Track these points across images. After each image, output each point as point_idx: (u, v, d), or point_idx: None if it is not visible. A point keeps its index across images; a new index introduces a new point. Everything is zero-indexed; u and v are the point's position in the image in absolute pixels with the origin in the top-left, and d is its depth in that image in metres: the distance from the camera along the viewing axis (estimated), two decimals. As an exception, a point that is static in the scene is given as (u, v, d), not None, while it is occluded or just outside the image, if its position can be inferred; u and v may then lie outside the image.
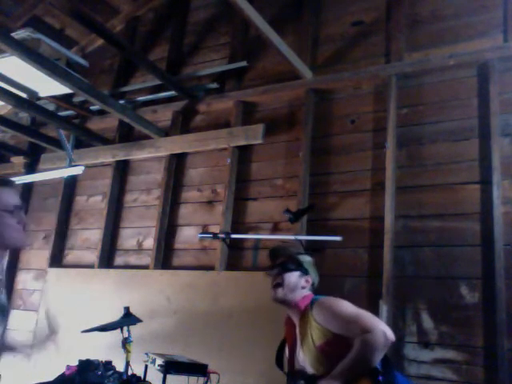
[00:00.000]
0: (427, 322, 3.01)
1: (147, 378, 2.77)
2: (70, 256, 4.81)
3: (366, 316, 2.05)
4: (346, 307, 2.11)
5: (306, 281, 2.30)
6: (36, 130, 5.17)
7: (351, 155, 3.57)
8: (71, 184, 5.02)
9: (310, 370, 2.14)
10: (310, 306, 2.20)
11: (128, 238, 4.50)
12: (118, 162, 4.70)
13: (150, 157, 4.52)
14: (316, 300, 2.21)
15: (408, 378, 2.75)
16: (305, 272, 2.32)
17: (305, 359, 2.16)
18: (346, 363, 1.98)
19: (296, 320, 2.27)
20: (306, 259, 2.38)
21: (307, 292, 2.30)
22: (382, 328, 1.98)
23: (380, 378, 1.99)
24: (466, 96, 3.28)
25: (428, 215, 3.18)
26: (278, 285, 2.28)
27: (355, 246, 3.35)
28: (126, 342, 2.60)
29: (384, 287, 3.09)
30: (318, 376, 2.09)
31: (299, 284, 2.28)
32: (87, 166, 4.62)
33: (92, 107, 4.94)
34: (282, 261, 2.34)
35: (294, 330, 2.28)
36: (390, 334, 1.98)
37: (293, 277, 2.28)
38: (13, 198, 1.62)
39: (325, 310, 2.13)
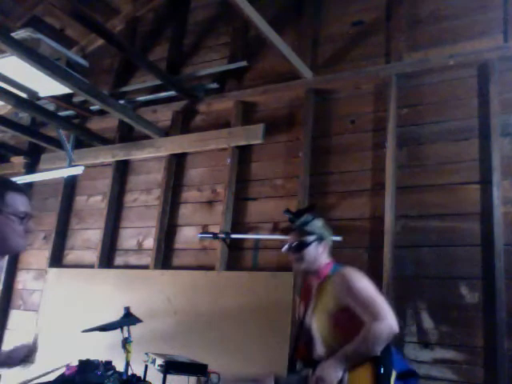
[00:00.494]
0: (427, 322, 3.01)
1: (147, 378, 2.78)
2: (70, 256, 4.81)
3: (380, 303, 2.11)
4: (366, 287, 2.17)
5: (324, 246, 2.36)
6: (36, 130, 5.17)
7: (351, 155, 3.57)
8: (71, 184, 5.02)
9: (316, 335, 2.23)
10: (330, 274, 2.28)
11: (128, 238, 4.50)
12: (118, 162, 4.70)
13: (150, 157, 4.52)
14: (337, 270, 2.28)
15: (404, 358, 2.75)
16: (320, 238, 2.36)
17: (314, 324, 2.25)
18: (350, 348, 2.06)
19: (314, 285, 2.34)
20: (317, 225, 2.40)
21: (327, 257, 2.37)
22: (389, 319, 2.05)
23: (381, 370, 2.04)
24: (466, 96, 3.28)
25: (428, 215, 3.18)
26: (299, 259, 2.34)
27: (355, 246, 3.35)
28: (126, 342, 2.61)
29: (384, 287, 3.08)
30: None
31: (318, 252, 2.33)
32: (87, 166, 4.62)
33: (92, 107, 4.94)
34: (296, 238, 2.38)
35: (310, 294, 2.35)
36: (396, 327, 2.06)
37: (311, 250, 2.33)
38: (25, 206, 1.64)
39: (345, 283, 2.19)
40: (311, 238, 2.34)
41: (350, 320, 2.14)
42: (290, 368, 2.35)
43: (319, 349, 2.22)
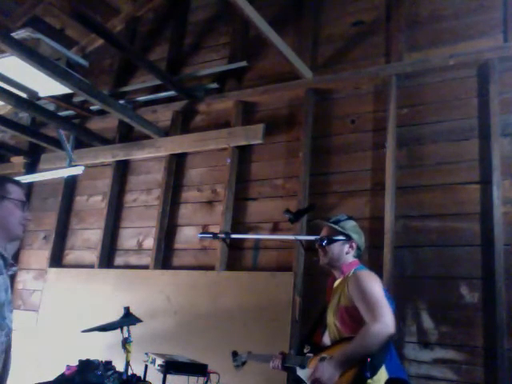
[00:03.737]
0: (427, 322, 3.01)
1: (147, 378, 2.78)
2: (70, 256, 4.81)
3: (382, 306, 2.18)
4: (373, 290, 2.24)
5: (350, 246, 2.45)
6: (36, 129, 5.17)
7: (351, 155, 3.57)
8: (71, 184, 5.02)
9: (329, 319, 2.41)
10: (350, 273, 2.38)
11: (128, 238, 4.50)
12: (118, 162, 4.70)
13: (150, 157, 4.52)
14: (357, 270, 2.39)
15: (401, 365, 2.74)
16: (348, 238, 2.45)
17: (329, 311, 2.44)
18: (348, 349, 2.13)
19: (337, 281, 2.47)
20: (348, 225, 2.49)
21: (353, 258, 2.46)
22: (387, 321, 2.11)
23: (368, 360, 2.07)
24: (466, 96, 3.28)
25: (428, 215, 3.18)
26: (324, 254, 2.47)
27: (355, 246, 3.34)
28: (126, 342, 2.60)
29: (384, 287, 3.08)
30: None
31: (343, 251, 2.44)
32: (87, 166, 4.62)
33: (92, 107, 4.94)
34: (324, 234, 2.50)
35: (332, 288, 2.51)
36: (392, 328, 2.12)
37: (335, 247, 2.44)
38: (23, 195, 1.91)
39: (357, 282, 2.29)
40: (339, 236, 2.44)
41: (353, 318, 2.24)
42: (298, 349, 2.48)
43: (326, 339, 2.44)
